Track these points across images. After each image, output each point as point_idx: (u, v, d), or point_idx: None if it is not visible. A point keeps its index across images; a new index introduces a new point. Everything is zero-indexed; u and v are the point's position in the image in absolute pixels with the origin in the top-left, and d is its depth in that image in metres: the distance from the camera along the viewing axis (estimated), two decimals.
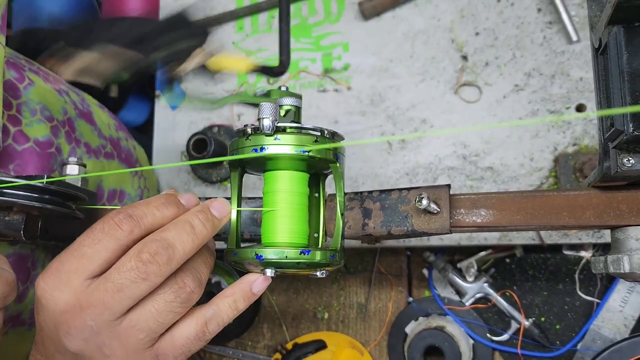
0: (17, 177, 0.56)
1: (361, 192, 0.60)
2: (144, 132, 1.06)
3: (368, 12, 0.87)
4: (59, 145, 0.67)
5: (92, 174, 0.71)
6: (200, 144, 0.86)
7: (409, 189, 0.58)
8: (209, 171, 0.90)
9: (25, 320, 0.62)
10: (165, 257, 0.43)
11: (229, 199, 0.64)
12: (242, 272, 0.90)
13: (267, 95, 0.61)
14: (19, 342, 0.62)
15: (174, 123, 0.92)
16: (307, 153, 0.51)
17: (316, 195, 0.60)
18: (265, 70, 0.62)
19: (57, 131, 0.67)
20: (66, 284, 0.43)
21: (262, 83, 0.91)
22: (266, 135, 0.51)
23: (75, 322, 0.43)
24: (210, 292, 0.91)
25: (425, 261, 0.87)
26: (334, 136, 0.54)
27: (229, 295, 0.50)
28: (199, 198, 0.64)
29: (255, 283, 0.51)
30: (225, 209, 0.50)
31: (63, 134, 0.68)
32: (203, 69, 0.58)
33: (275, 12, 0.92)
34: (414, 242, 0.82)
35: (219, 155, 0.86)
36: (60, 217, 0.56)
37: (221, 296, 0.50)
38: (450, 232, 0.56)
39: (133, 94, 1.07)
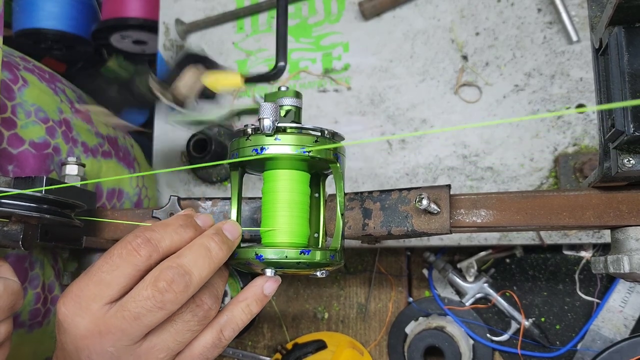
0: (16, 178, 0.56)
1: (361, 193, 0.60)
2: (143, 133, 1.06)
3: (368, 12, 0.87)
4: (57, 145, 0.67)
5: (93, 181, 0.71)
6: (200, 144, 0.86)
7: (409, 189, 0.58)
8: (209, 171, 0.90)
9: (25, 322, 0.62)
10: (182, 285, 0.43)
11: (228, 199, 0.64)
12: (242, 273, 0.91)
13: (262, 99, 0.61)
14: (20, 344, 0.62)
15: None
16: (307, 153, 0.51)
17: (316, 195, 0.60)
18: (261, 79, 0.62)
19: (53, 132, 0.67)
20: (86, 310, 0.43)
21: (262, 84, 0.91)
22: (266, 136, 0.51)
23: (95, 348, 0.44)
24: None
25: (425, 261, 0.86)
26: (334, 136, 0.54)
27: (242, 300, 0.50)
28: (199, 199, 0.64)
29: (266, 285, 0.51)
30: (237, 231, 0.50)
31: (60, 134, 0.68)
32: (204, 94, 0.58)
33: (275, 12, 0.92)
34: (414, 242, 0.82)
35: (219, 155, 0.86)
36: (60, 224, 0.56)
37: (234, 302, 0.50)
38: (451, 233, 0.56)
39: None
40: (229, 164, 0.56)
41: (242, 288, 0.89)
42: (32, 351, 0.63)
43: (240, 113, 0.61)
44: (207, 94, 0.59)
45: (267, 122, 0.50)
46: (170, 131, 0.92)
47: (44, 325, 0.64)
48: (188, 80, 0.56)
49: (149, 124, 1.04)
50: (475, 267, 0.83)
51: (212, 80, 0.57)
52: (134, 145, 0.86)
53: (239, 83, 0.58)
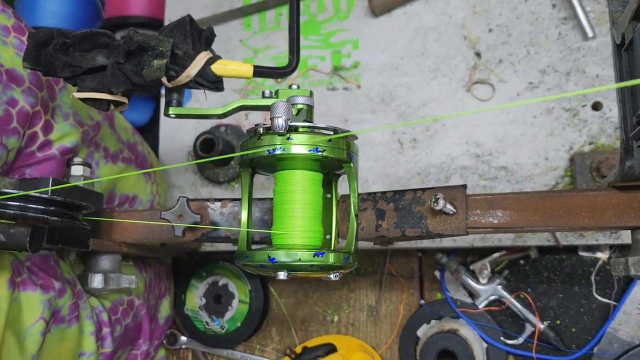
0: (21, 180, 0.56)
1: (374, 193, 0.59)
2: (147, 132, 1.05)
3: (378, 9, 0.86)
4: (78, 150, 0.67)
5: (95, 180, 0.70)
6: (207, 144, 0.85)
7: (423, 190, 0.57)
8: (216, 171, 0.89)
9: (65, 317, 0.62)
10: None
11: (238, 200, 0.64)
12: (251, 276, 0.90)
13: (273, 96, 0.60)
14: (62, 339, 0.62)
15: (180, 122, 0.91)
16: (320, 153, 0.51)
17: (328, 196, 0.60)
18: (273, 73, 0.61)
19: (86, 136, 0.67)
20: None
21: (270, 82, 0.90)
22: (279, 135, 0.50)
23: None
24: (218, 294, 0.90)
25: (437, 263, 0.86)
26: (348, 135, 0.54)
27: None
28: (208, 200, 0.64)
29: None
30: None
31: (88, 139, 0.68)
32: (208, 76, 0.57)
33: (283, 9, 0.92)
34: (425, 243, 0.82)
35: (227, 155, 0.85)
36: (67, 226, 0.56)
37: None
38: (467, 234, 0.56)
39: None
40: (240, 164, 0.56)
41: (250, 291, 0.89)
42: (72, 347, 0.63)
43: (247, 109, 0.60)
44: (215, 83, 0.57)
45: (280, 121, 0.49)
46: (176, 130, 0.92)
47: (79, 320, 0.64)
48: (198, 65, 0.55)
49: (153, 121, 1.04)
50: (489, 269, 0.82)
51: (221, 67, 0.56)
52: (151, 152, 0.86)
53: (248, 73, 0.57)
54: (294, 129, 0.52)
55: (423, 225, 0.56)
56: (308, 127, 0.52)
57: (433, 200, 0.53)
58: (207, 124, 0.91)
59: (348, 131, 0.53)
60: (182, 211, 0.61)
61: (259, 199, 0.63)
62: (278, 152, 0.50)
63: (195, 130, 0.90)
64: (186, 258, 0.93)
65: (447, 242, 0.81)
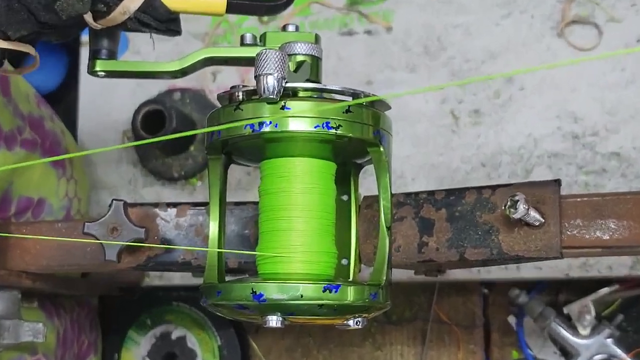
0: None
1: (416, 193, 0.60)
2: (58, 103, 1.05)
3: None
4: None
5: None
6: (153, 119, 0.86)
7: (493, 188, 0.58)
8: (168, 161, 0.90)
9: None
10: None
11: (203, 205, 0.64)
12: (222, 323, 0.91)
13: (257, 44, 0.60)
14: None
15: (112, 86, 0.91)
16: (333, 130, 0.50)
17: (344, 198, 0.60)
18: (256, 8, 0.61)
19: None
20: None
21: (250, 22, 0.91)
22: (268, 103, 0.50)
23: None
24: (171, 353, 0.91)
25: (512, 303, 0.86)
26: (375, 102, 0.54)
27: None
28: (156, 205, 0.64)
29: None
30: None
31: None
32: (157, 11, 0.57)
33: None
34: (494, 272, 0.82)
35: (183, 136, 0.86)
36: None
37: None
38: (561, 257, 0.55)
39: (40, 43, 1.07)
40: (207, 148, 0.56)
41: (220, 348, 0.89)
42: None
43: (216, 62, 0.60)
44: (167, 23, 0.57)
45: (270, 81, 0.49)
46: (106, 97, 0.92)
47: None
48: None
49: (68, 86, 1.04)
50: (593, 313, 0.82)
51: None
52: (66, 132, 0.86)
53: (219, 8, 0.57)
54: (292, 93, 0.52)
55: (493, 242, 0.56)
56: (313, 89, 0.52)
57: (509, 203, 0.53)
58: (154, 88, 0.91)
59: (374, 96, 0.54)
60: (116, 222, 0.61)
61: (237, 204, 0.64)
62: (267, 128, 0.50)
63: (135, 98, 0.91)
64: (122, 297, 0.93)
65: (527, 271, 0.81)
